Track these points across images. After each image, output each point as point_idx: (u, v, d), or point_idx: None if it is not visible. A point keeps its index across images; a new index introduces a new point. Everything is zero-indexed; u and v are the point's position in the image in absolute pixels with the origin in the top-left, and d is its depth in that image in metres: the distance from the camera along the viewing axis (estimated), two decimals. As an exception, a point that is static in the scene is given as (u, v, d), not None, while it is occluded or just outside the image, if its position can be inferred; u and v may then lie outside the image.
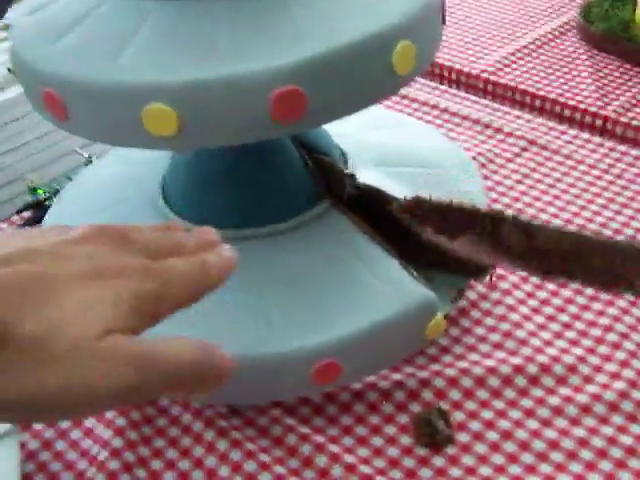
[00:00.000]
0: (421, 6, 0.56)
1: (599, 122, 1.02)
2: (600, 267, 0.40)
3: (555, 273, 0.39)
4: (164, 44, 0.52)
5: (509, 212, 0.35)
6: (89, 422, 0.68)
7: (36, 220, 0.88)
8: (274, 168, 0.65)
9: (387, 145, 0.76)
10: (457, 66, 1.12)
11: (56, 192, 0.87)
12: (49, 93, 0.54)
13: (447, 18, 1.24)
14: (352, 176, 0.65)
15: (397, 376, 0.68)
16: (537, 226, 0.35)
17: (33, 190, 0.89)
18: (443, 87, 1.08)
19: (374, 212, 0.66)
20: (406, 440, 0.64)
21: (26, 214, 0.88)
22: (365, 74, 0.53)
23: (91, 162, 0.90)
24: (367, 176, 0.68)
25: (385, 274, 0.62)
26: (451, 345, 0.71)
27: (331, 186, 0.66)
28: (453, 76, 1.12)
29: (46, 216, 0.73)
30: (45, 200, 0.87)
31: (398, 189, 0.68)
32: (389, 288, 0.61)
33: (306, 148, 0.67)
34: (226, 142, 0.52)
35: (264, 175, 0.65)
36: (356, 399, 0.67)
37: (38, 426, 0.67)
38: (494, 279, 0.76)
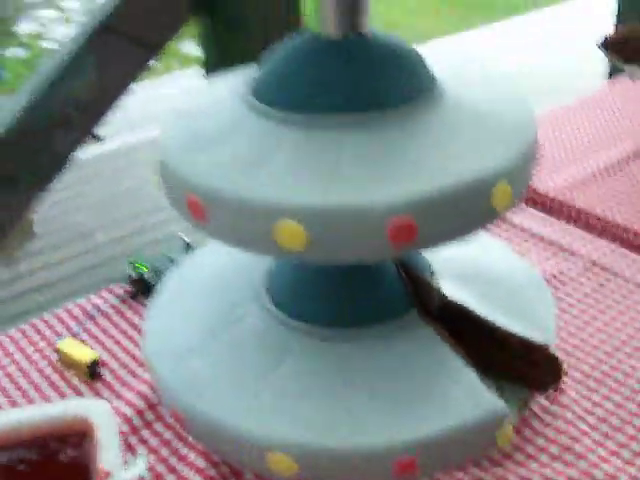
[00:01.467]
0: (519, 151, 0.64)
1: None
2: None
3: None
4: (297, 167, 0.61)
5: None
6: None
7: (134, 294, 0.97)
8: (372, 276, 0.73)
9: (466, 260, 0.83)
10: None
11: (155, 270, 0.96)
12: (193, 199, 0.62)
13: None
14: (440, 291, 0.73)
15: (459, 474, 0.74)
16: None
17: (134, 266, 0.97)
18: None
19: (457, 325, 0.73)
20: (467, 537, 0.70)
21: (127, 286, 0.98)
22: (468, 209, 0.61)
23: (191, 247, 0.99)
24: (450, 290, 0.75)
25: (464, 382, 0.68)
26: (512, 451, 0.77)
27: (420, 297, 0.74)
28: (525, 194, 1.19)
29: (152, 302, 0.82)
30: (145, 276, 0.96)
31: (477, 304, 0.75)
32: (467, 395, 0.67)
33: (400, 262, 0.75)
34: (348, 261, 0.60)
35: (364, 282, 0.73)
36: (423, 493, 0.73)
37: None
38: (556, 393, 0.82)
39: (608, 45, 0.59)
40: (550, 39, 4.35)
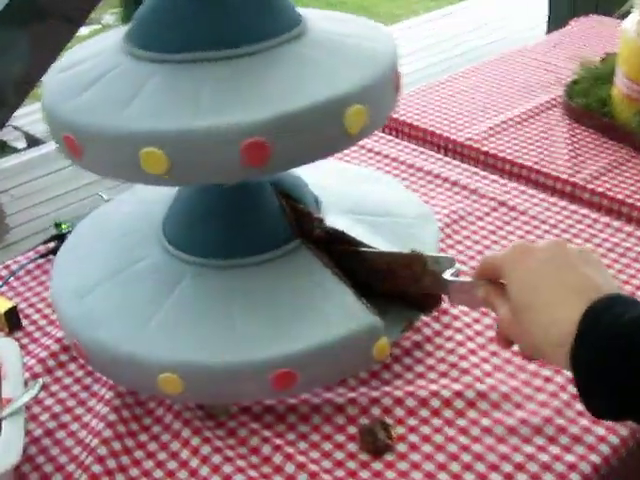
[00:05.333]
0: (374, 75, 0.69)
1: (569, 188, 1.13)
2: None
3: None
4: (160, 100, 0.65)
5: None
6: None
7: (55, 251, 1.01)
8: (256, 210, 0.77)
9: (358, 196, 0.88)
10: (446, 134, 1.25)
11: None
12: (68, 137, 0.67)
13: (445, 90, 1.37)
14: (320, 220, 0.77)
15: (351, 394, 0.79)
16: None
17: (58, 225, 1.02)
18: (430, 152, 1.21)
19: (338, 250, 0.78)
20: (352, 447, 0.75)
21: (51, 245, 1.02)
22: (320, 131, 0.65)
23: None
24: (336, 221, 0.80)
25: (340, 301, 0.73)
26: (403, 372, 0.82)
27: (302, 227, 0.78)
28: (441, 142, 1.25)
29: (61, 248, 0.87)
30: (67, 233, 1.00)
31: (362, 232, 0.80)
32: (341, 313, 0.72)
33: (283, 195, 0.79)
34: (205, 182, 0.64)
35: (246, 215, 0.77)
36: (314, 411, 0.78)
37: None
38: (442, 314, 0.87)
39: None
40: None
